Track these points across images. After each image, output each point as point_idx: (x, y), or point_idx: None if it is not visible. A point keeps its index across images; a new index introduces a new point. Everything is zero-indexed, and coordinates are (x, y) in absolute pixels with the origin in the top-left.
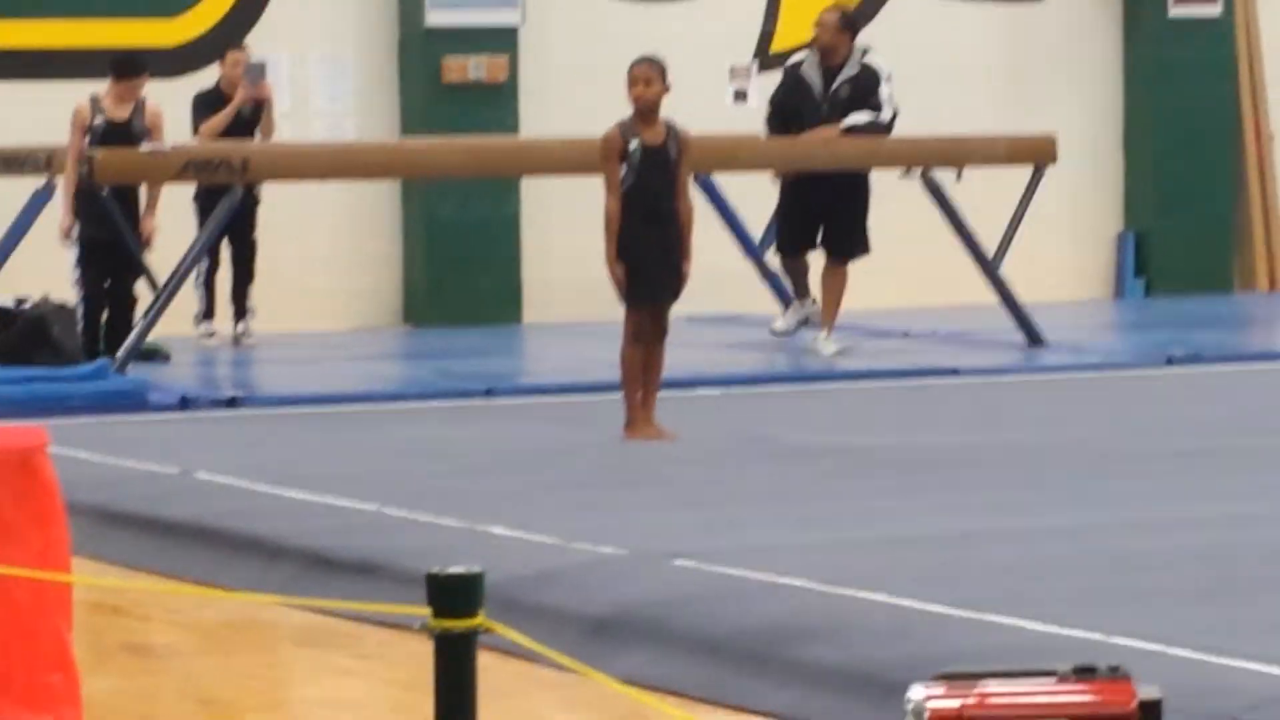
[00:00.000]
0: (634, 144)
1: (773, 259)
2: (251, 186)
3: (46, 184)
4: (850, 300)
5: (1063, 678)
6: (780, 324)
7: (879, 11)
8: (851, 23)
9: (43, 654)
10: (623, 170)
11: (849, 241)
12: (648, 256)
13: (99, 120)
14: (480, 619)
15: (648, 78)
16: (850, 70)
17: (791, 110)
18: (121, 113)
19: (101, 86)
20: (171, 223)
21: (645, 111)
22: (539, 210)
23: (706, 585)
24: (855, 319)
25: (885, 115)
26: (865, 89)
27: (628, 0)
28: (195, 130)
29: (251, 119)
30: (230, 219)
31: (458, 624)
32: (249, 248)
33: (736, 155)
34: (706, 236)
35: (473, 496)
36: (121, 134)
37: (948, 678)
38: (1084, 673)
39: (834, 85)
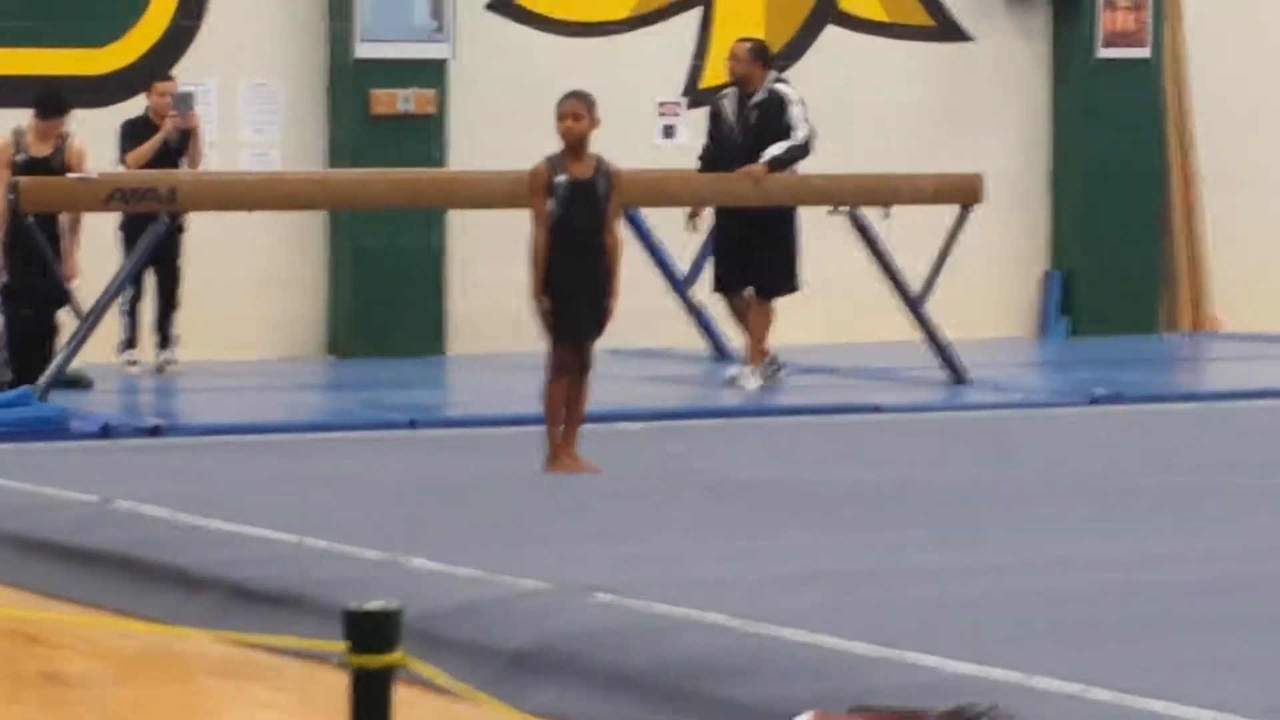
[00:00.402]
0: (561, 178)
1: (699, 294)
2: (177, 215)
3: None
4: (776, 335)
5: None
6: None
7: (808, 48)
8: (762, 53)
9: None
10: (550, 204)
11: (775, 278)
12: (573, 292)
13: (21, 156)
14: (398, 655)
15: (576, 112)
16: (759, 97)
17: (716, 145)
18: (44, 149)
19: (26, 118)
20: (95, 250)
21: (574, 146)
22: (465, 243)
23: (627, 620)
24: (781, 354)
25: (799, 136)
26: (772, 113)
27: (557, 35)
28: (122, 158)
29: (178, 148)
30: (155, 247)
31: (375, 660)
32: (173, 276)
33: (664, 190)
34: (632, 271)
35: (395, 528)
36: (42, 170)
37: (824, 713)
38: (953, 715)
39: (742, 113)
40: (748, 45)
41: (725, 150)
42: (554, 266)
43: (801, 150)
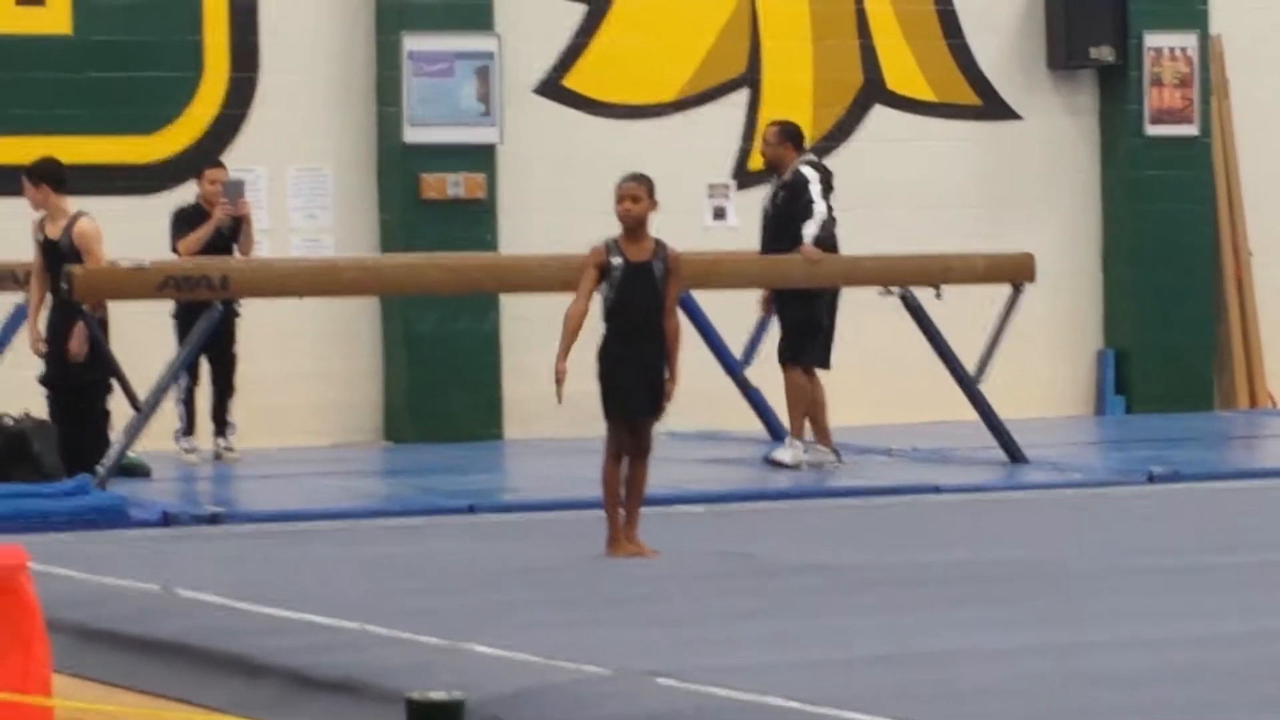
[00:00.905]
0: (617, 261)
1: (752, 375)
2: (231, 302)
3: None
4: (832, 417)
5: None
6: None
7: (857, 128)
8: (791, 134)
9: None
10: (604, 288)
11: (790, 344)
12: (627, 373)
13: (40, 237)
14: None
15: (635, 194)
16: (787, 178)
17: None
18: (53, 230)
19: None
20: (150, 337)
21: (632, 228)
22: (518, 326)
23: (689, 704)
24: (837, 436)
25: (820, 210)
26: (797, 194)
27: (605, 117)
28: (174, 246)
29: (230, 235)
30: (210, 335)
31: None
32: (229, 363)
33: (715, 273)
34: (686, 352)
35: (454, 614)
36: (52, 252)
37: None
38: None
39: (774, 194)
40: (776, 128)
41: (762, 231)
42: (608, 347)
43: (830, 223)
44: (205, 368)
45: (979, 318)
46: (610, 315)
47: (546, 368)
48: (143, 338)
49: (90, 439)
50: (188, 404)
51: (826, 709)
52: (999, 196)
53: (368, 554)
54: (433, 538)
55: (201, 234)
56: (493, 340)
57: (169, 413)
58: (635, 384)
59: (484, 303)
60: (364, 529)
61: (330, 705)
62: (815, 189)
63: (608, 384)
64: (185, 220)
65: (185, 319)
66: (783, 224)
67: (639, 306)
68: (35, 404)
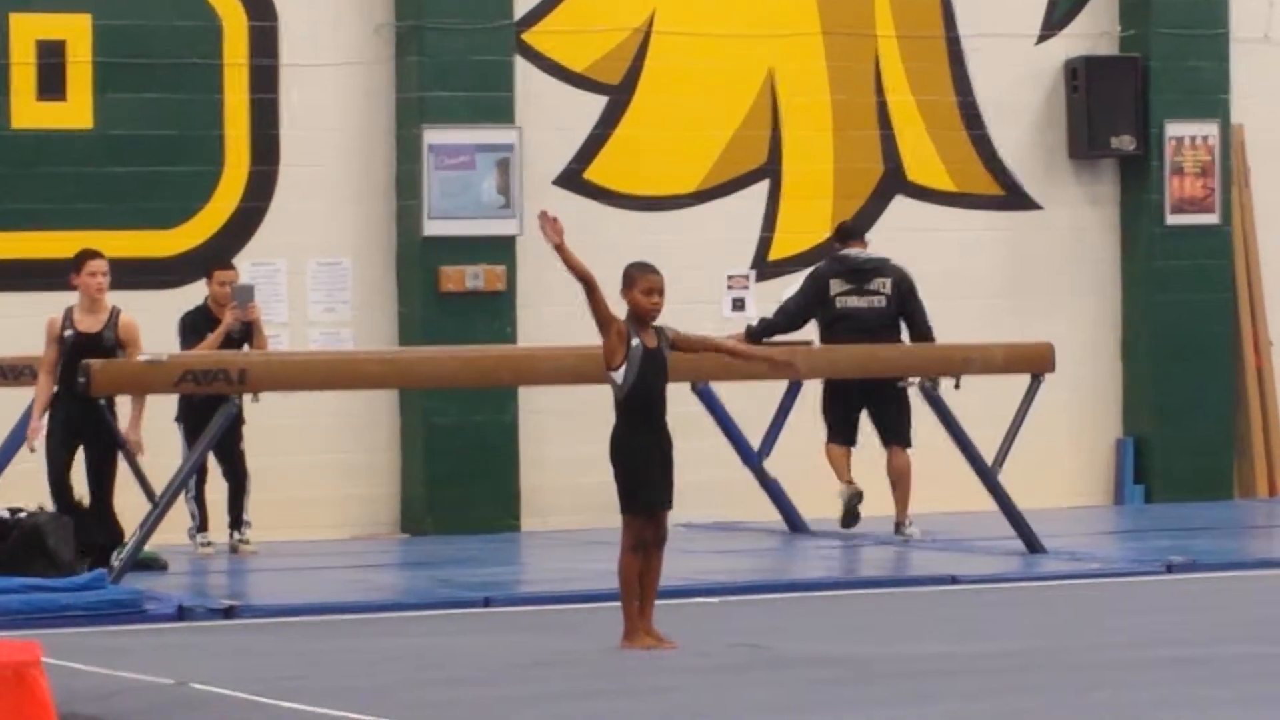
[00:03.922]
0: (636, 343)
1: (770, 466)
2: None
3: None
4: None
5: None
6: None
7: (878, 218)
8: (840, 231)
9: None
10: (623, 369)
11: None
12: (650, 465)
13: (69, 332)
14: None
15: (662, 289)
16: None
17: None
18: (93, 324)
19: (73, 299)
20: (158, 431)
21: (649, 320)
22: (536, 419)
23: None
24: (855, 526)
25: (784, 303)
26: None
27: (625, 209)
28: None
29: (240, 339)
30: (225, 431)
31: None
32: (237, 460)
33: (735, 364)
34: (705, 443)
35: (472, 707)
36: (92, 346)
37: None
38: None
39: None
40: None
41: None
42: (627, 437)
43: (772, 324)
44: (214, 465)
45: (998, 406)
46: (629, 400)
47: (563, 459)
48: (152, 431)
49: (103, 529)
50: (199, 500)
51: None
52: (1020, 286)
53: (384, 647)
54: (449, 630)
55: (212, 341)
56: (510, 432)
57: (183, 508)
58: (659, 475)
59: (502, 395)
60: (380, 622)
61: None
62: (791, 289)
63: (631, 477)
64: (193, 326)
65: (191, 423)
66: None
67: (658, 392)
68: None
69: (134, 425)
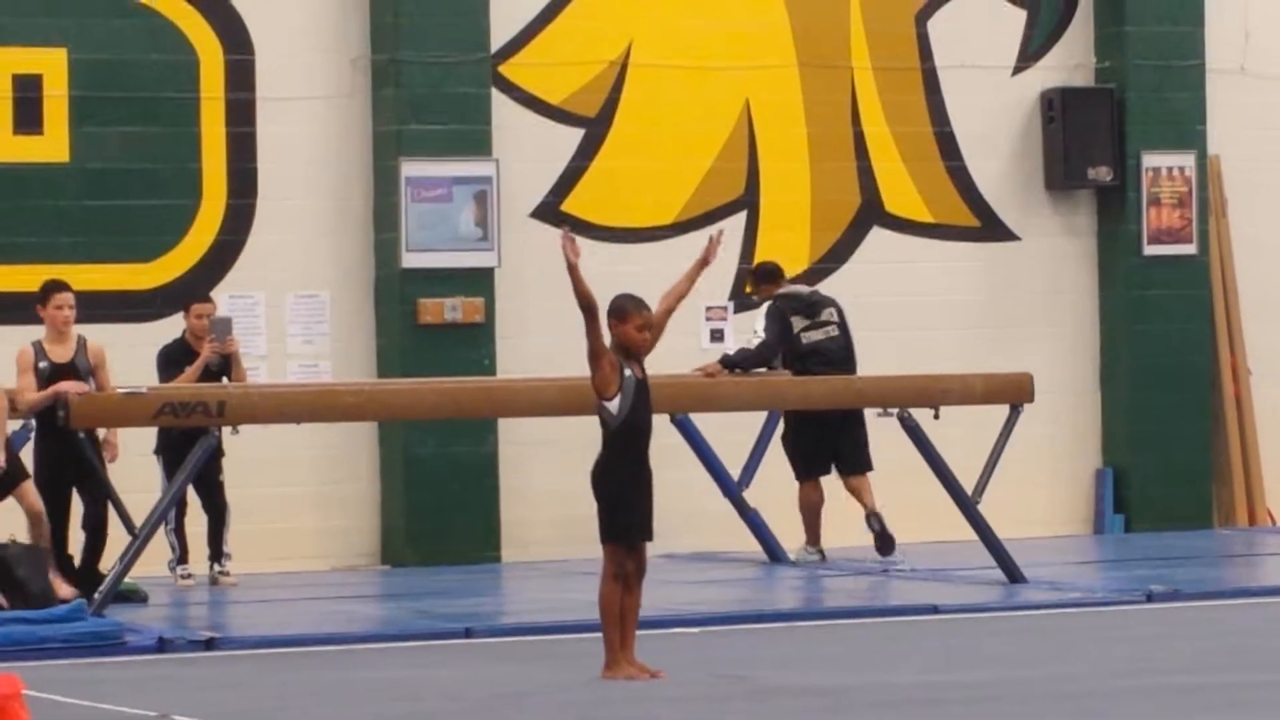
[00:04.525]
0: (629, 373)
1: (749, 496)
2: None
3: (22, 426)
4: (830, 538)
5: None
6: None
7: (855, 250)
8: (764, 274)
9: None
10: (618, 400)
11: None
12: (635, 497)
13: (44, 364)
14: None
15: (652, 324)
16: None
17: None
18: (64, 354)
19: (39, 332)
20: (137, 463)
21: (640, 356)
22: (516, 450)
23: None
24: (835, 555)
25: (753, 342)
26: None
27: (604, 240)
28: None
29: (219, 371)
30: (204, 463)
31: None
32: (216, 491)
33: (714, 396)
34: (685, 474)
35: None
36: (68, 374)
37: None
38: None
39: None
40: (754, 271)
41: None
42: (616, 470)
43: (753, 356)
44: (193, 497)
45: (977, 437)
46: (621, 432)
47: (543, 489)
48: (130, 462)
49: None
50: (179, 533)
51: None
52: (997, 317)
53: (365, 678)
54: (430, 662)
55: (190, 374)
56: (490, 464)
57: (163, 540)
58: (641, 505)
59: (481, 426)
60: (361, 653)
61: None
62: (760, 321)
63: (615, 506)
64: (171, 359)
65: (169, 456)
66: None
67: (648, 422)
68: (19, 529)
69: (111, 431)
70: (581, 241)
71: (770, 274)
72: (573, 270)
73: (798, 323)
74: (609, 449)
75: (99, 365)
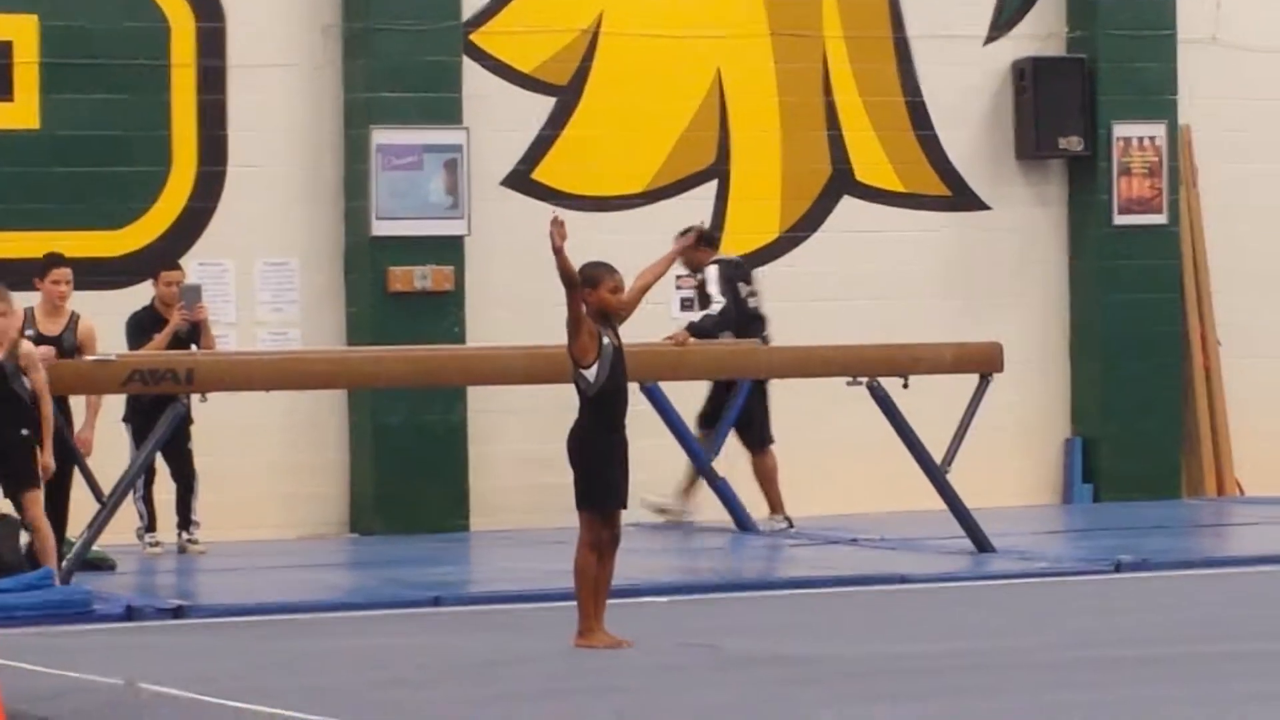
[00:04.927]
0: (606, 340)
1: (721, 464)
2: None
3: None
4: (799, 507)
5: None
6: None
7: (825, 218)
8: (704, 239)
9: None
10: (595, 367)
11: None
12: (613, 464)
13: (30, 333)
14: None
15: (622, 286)
16: (700, 275)
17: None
18: (53, 328)
19: (34, 299)
20: (106, 431)
21: (617, 318)
22: (485, 418)
23: None
24: (803, 525)
25: (714, 309)
26: (702, 292)
27: (574, 209)
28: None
29: (188, 340)
30: (173, 431)
31: None
32: (185, 459)
33: (683, 364)
34: (654, 443)
35: (422, 707)
36: (52, 347)
37: None
38: None
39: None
40: (693, 233)
41: None
42: (591, 434)
43: (719, 321)
44: (161, 465)
45: (947, 407)
46: (600, 397)
47: (512, 458)
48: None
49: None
50: (147, 501)
51: None
52: (968, 286)
53: (334, 647)
54: (399, 631)
55: (160, 341)
56: (459, 432)
57: (132, 509)
58: (619, 474)
59: (450, 395)
60: (330, 621)
61: None
62: (714, 286)
63: (593, 474)
64: (141, 326)
65: (138, 423)
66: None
67: (624, 389)
68: None
69: (88, 425)
70: (552, 209)
71: (712, 240)
72: (558, 252)
73: (743, 289)
74: (586, 416)
75: (86, 346)
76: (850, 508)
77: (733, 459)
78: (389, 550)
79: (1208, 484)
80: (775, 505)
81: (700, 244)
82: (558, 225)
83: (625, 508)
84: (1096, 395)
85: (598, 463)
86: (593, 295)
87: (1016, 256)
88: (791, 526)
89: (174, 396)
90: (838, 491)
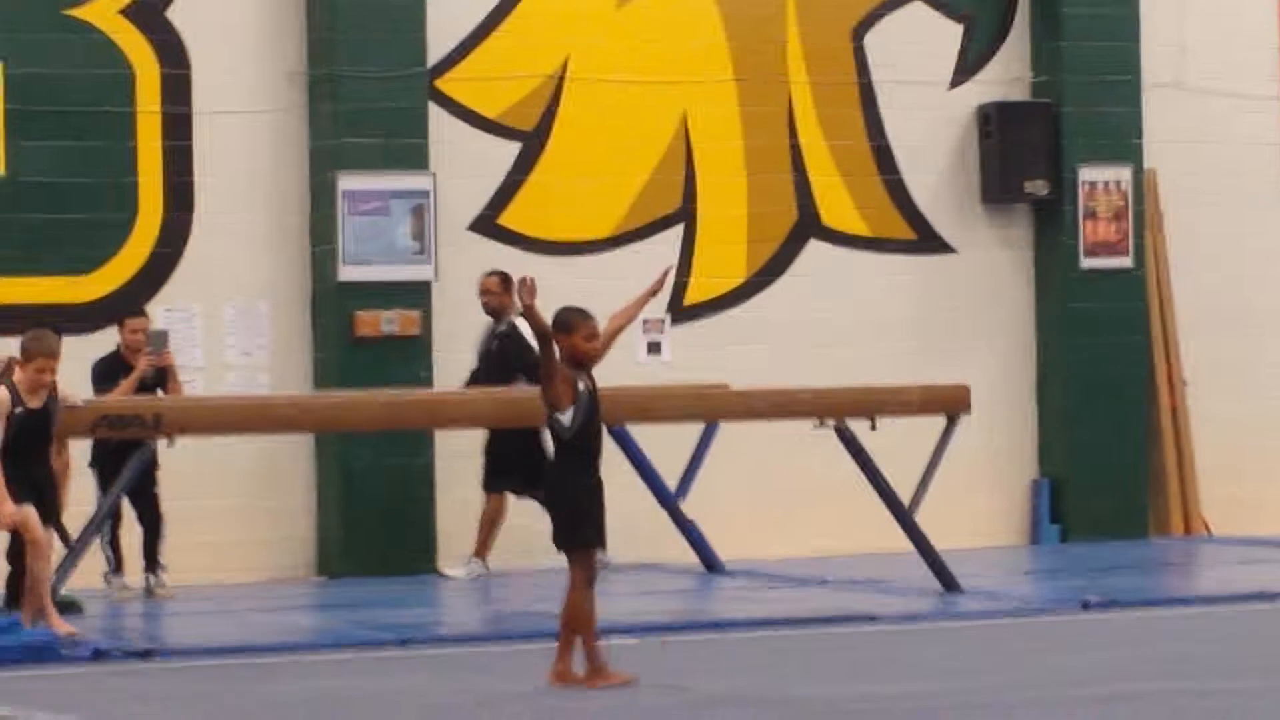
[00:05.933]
0: (582, 386)
1: (687, 508)
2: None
3: None
4: (767, 549)
5: None
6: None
7: (792, 262)
8: (512, 284)
9: None
10: (571, 412)
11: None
12: (590, 502)
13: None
14: None
15: (598, 333)
16: (501, 328)
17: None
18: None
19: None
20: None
21: (589, 366)
22: (452, 462)
23: None
24: (772, 566)
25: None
26: (510, 348)
27: (540, 254)
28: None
29: (154, 385)
30: (139, 475)
31: None
32: (151, 502)
33: (650, 407)
34: (621, 485)
35: None
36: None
37: None
38: None
39: (491, 340)
40: (497, 278)
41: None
42: (569, 476)
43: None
44: (127, 509)
45: (914, 448)
46: (575, 441)
47: (480, 503)
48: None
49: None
50: (113, 544)
51: None
52: (934, 329)
53: (301, 689)
54: (367, 672)
55: (126, 387)
56: (426, 476)
57: (99, 552)
58: (597, 514)
59: (417, 439)
60: (298, 664)
61: None
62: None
63: (575, 514)
64: (106, 373)
65: (104, 467)
66: (495, 369)
67: (599, 431)
68: None
69: (62, 488)
70: (519, 254)
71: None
72: (529, 309)
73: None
74: (561, 460)
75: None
76: (819, 549)
77: (697, 501)
78: (356, 593)
79: (1175, 523)
80: (481, 550)
81: (507, 290)
82: (526, 285)
83: (603, 547)
84: (1063, 436)
85: (578, 502)
86: (566, 341)
87: (983, 299)
88: (487, 572)
89: (140, 441)
90: (806, 533)
